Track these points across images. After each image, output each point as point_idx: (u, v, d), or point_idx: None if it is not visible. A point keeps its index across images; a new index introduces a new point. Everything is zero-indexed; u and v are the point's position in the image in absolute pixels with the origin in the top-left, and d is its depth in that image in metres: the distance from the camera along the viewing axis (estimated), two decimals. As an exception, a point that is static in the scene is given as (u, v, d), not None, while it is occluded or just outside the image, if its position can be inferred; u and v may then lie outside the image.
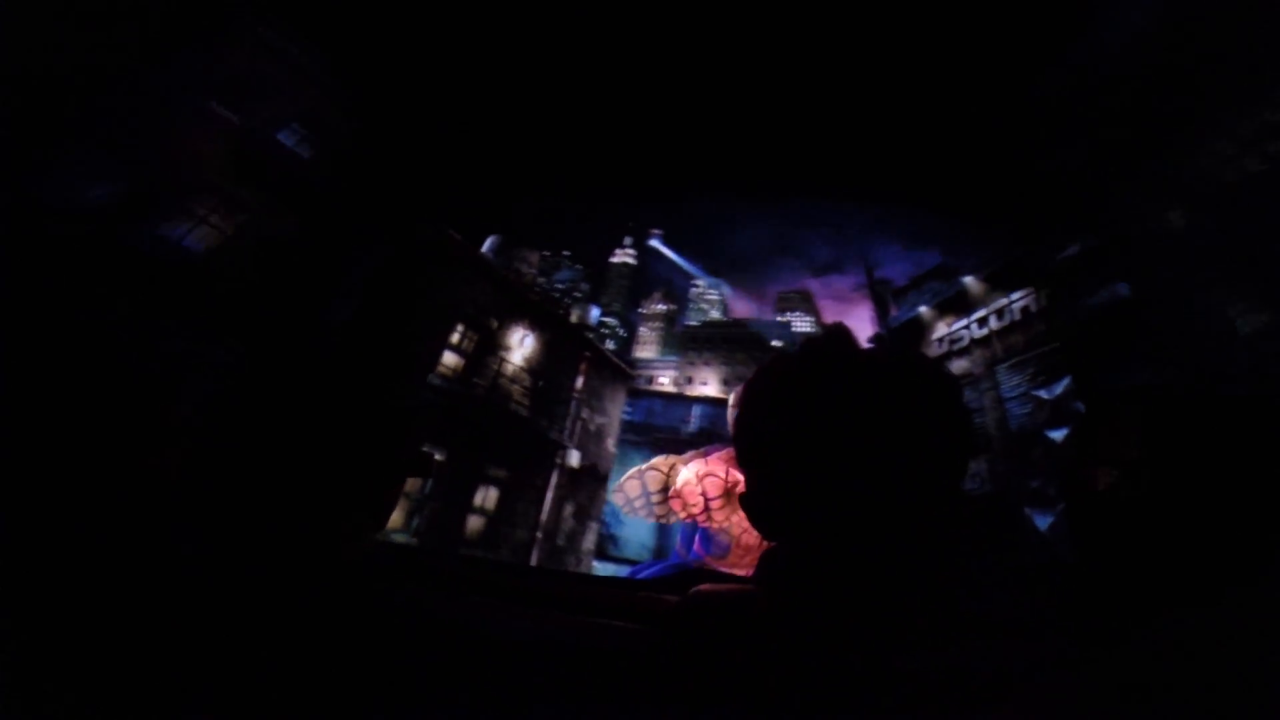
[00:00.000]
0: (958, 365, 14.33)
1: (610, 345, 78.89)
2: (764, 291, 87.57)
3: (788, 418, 0.72)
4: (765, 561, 0.72)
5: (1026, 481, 12.05)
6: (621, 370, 18.75)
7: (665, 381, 52.82)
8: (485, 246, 16.82)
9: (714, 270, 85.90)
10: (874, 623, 0.62)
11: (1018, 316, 12.52)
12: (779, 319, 73.66)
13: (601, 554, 23.40)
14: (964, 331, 13.99)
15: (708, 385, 48.24)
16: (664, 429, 33.77)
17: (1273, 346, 7.59)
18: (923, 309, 15.14)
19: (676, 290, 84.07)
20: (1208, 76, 8.31)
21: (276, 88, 10.15)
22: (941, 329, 14.81)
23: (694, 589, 0.71)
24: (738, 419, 0.79)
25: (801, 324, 74.18)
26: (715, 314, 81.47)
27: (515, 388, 14.62)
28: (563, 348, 16.31)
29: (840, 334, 0.82)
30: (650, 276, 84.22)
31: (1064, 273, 10.48)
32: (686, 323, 76.35)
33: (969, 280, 13.72)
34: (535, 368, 15.33)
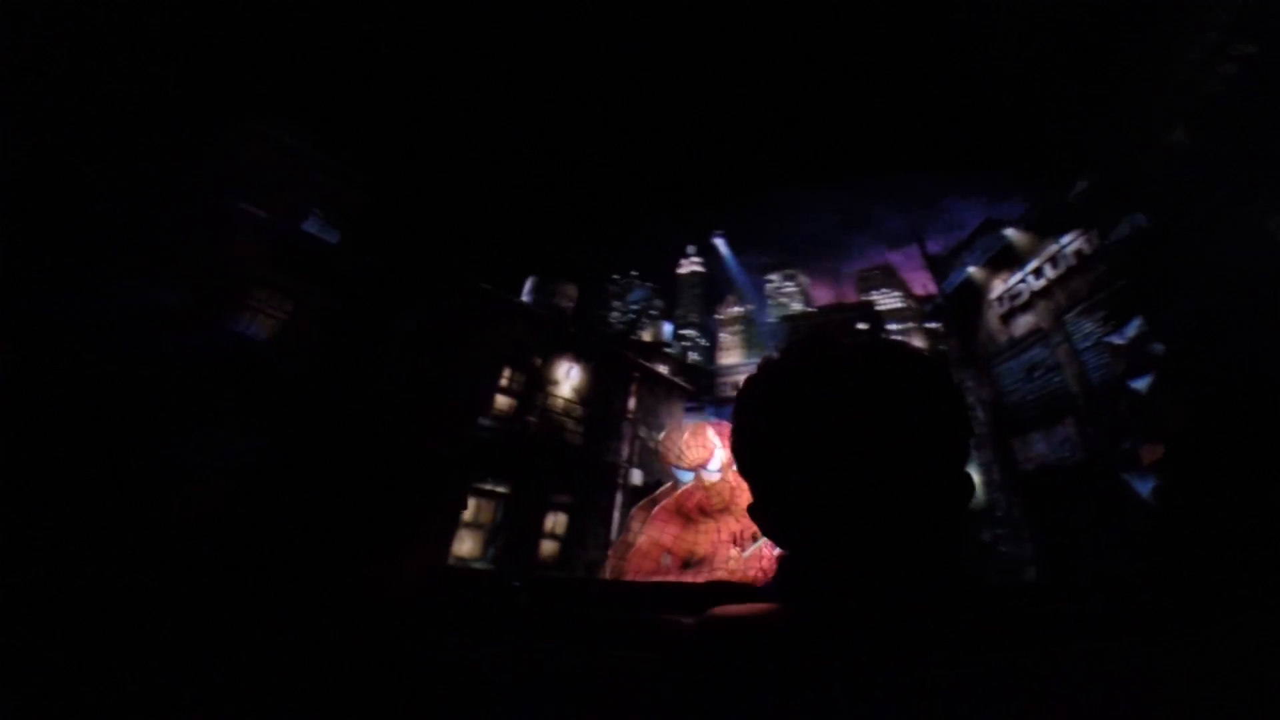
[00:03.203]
0: (1022, 321, 13.10)
1: (694, 357, 78.69)
2: (842, 273, 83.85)
3: (779, 424, 0.71)
4: (783, 571, 0.71)
5: (1118, 442, 10.75)
6: (677, 385, 18.82)
7: (751, 384, 51.85)
8: (525, 289, 17.67)
9: (786, 261, 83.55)
10: (900, 627, 0.59)
11: (1073, 261, 11.27)
12: (863, 299, 70.22)
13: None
14: (1021, 286, 12.77)
15: (794, 381, 46.90)
16: None
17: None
18: (972, 269, 14.02)
19: (752, 289, 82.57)
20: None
21: (293, 179, 11.46)
22: (998, 286, 13.61)
23: (709, 612, 0.69)
24: (732, 432, 0.79)
25: (889, 300, 70.12)
26: (797, 306, 79.08)
27: (567, 418, 15.15)
28: (611, 372, 16.70)
29: (820, 335, 0.84)
30: (722, 279, 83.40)
31: (1081, 210, 9.37)
32: (765, 320, 74.69)
33: (1011, 232, 12.55)
34: (585, 396, 15.81)
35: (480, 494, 12.78)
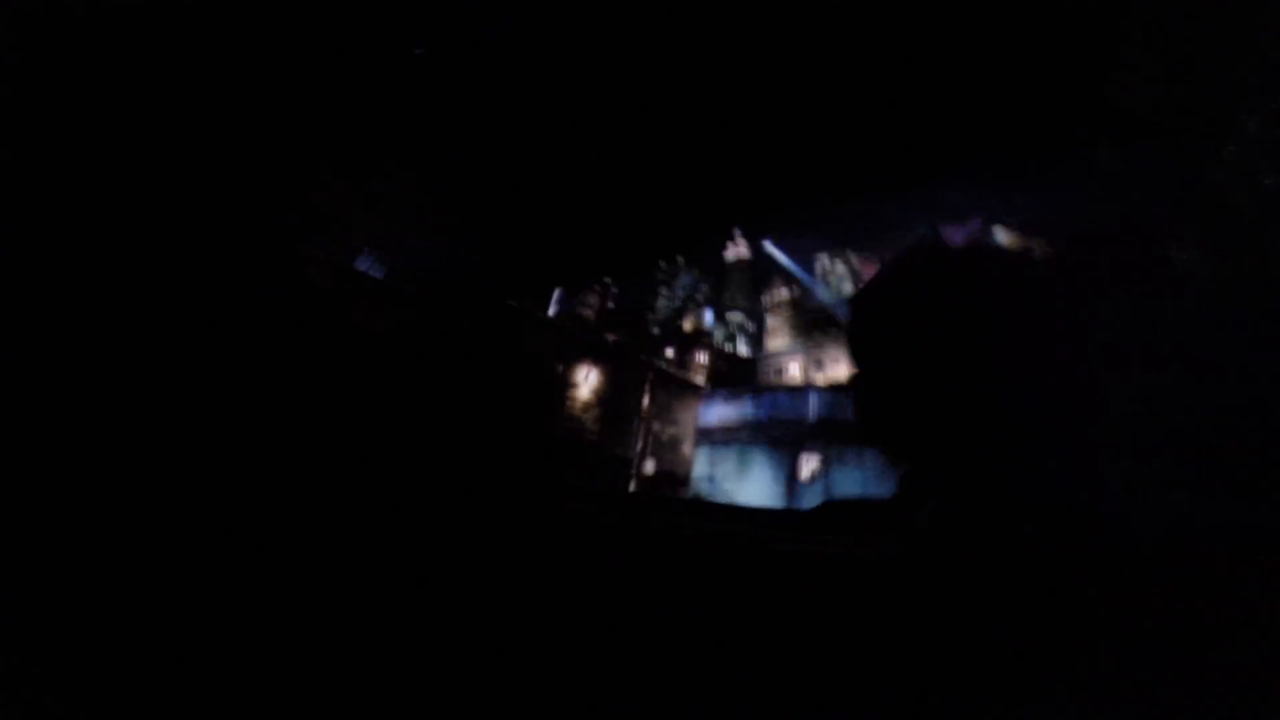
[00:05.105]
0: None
1: (741, 341, 78.84)
2: (891, 250, 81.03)
3: (900, 330, 0.68)
4: (903, 487, 0.69)
5: None
6: (688, 383, 20.73)
7: (795, 370, 52.09)
8: (553, 299, 19.99)
9: (837, 239, 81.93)
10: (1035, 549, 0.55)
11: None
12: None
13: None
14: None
15: (839, 363, 46.89)
16: (787, 422, 34.11)
17: None
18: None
19: (802, 272, 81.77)
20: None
21: (351, 221, 14.09)
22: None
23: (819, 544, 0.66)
24: (849, 341, 0.77)
25: (940, 280, 67.44)
26: (848, 287, 77.87)
27: (585, 416, 17.43)
28: (626, 375, 18.81)
29: (934, 246, 0.82)
30: (770, 264, 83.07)
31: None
32: (813, 303, 74.07)
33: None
34: (602, 396, 18.01)
35: (508, 483, 15.24)
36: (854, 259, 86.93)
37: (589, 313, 19.65)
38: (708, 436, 20.52)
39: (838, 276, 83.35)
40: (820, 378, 44.15)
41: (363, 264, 14.60)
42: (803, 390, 37.45)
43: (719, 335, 67.67)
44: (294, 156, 13.45)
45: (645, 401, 18.93)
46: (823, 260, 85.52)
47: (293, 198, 13.34)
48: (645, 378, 19.28)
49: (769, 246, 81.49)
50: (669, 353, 23.72)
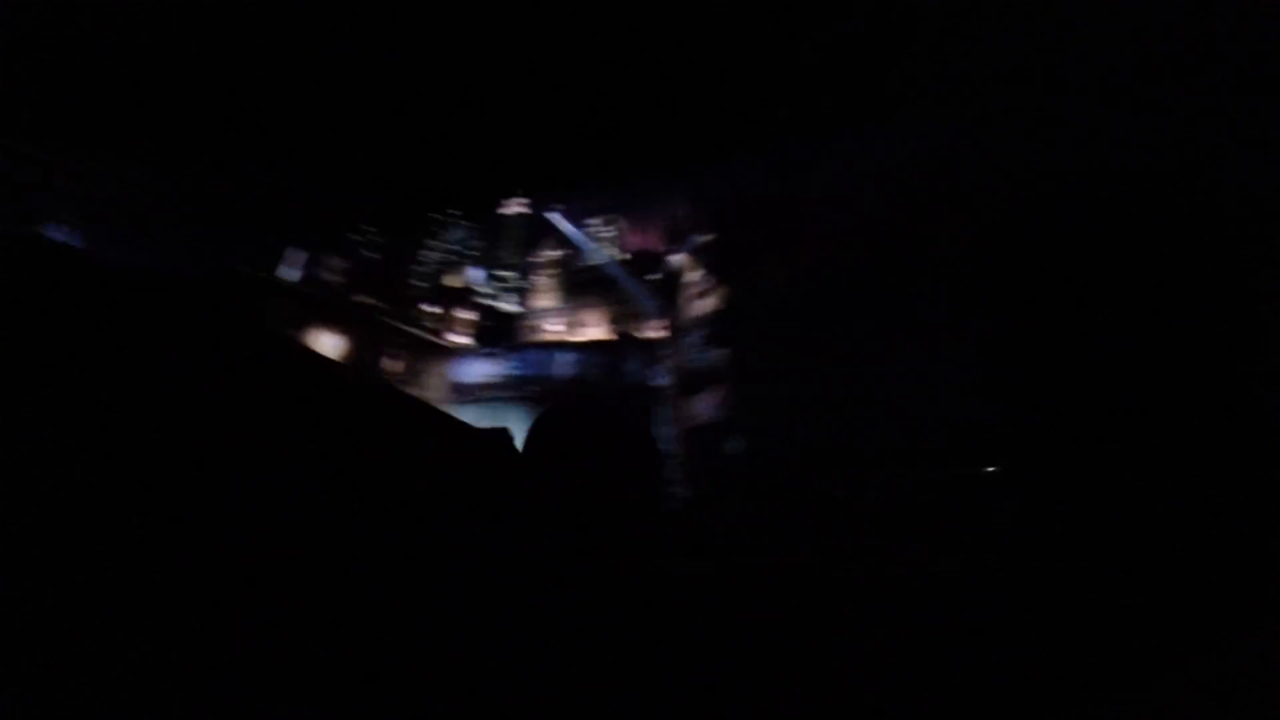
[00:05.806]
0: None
1: (513, 299, 79.81)
2: (656, 218, 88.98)
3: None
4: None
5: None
6: (436, 345, 22.30)
7: (556, 328, 55.00)
8: (290, 260, 19.55)
9: (614, 205, 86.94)
10: None
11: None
12: (663, 248, 76.64)
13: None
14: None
15: (589, 327, 50.76)
16: (539, 380, 36.47)
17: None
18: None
19: (578, 234, 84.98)
20: None
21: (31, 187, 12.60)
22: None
23: None
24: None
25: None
26: (614, 252, 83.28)
27: (327, 382, 18.01)
28: (370, 339, 19.63)
29: None
30: (544, 223, 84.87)
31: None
32: (580, 265, 78.24)
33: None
34: (349, 363, 18.65)
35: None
36: (623, 225, 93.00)
37: (333, 275, 19.81)
38: (470, 395, 21.76)
39: (606, 241, 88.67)
40: (578, 336, 47.64)
41: (55, 232, 13.07)
42: (555, 348, 40.55)
43: (489, 291, 68.00)
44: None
45: (392, 366, 20.05)
46: (594, 225, 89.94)
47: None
48: (391, 341, 20.34)
49: (548, 215, 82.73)
50: (432, 311, 24.59)
